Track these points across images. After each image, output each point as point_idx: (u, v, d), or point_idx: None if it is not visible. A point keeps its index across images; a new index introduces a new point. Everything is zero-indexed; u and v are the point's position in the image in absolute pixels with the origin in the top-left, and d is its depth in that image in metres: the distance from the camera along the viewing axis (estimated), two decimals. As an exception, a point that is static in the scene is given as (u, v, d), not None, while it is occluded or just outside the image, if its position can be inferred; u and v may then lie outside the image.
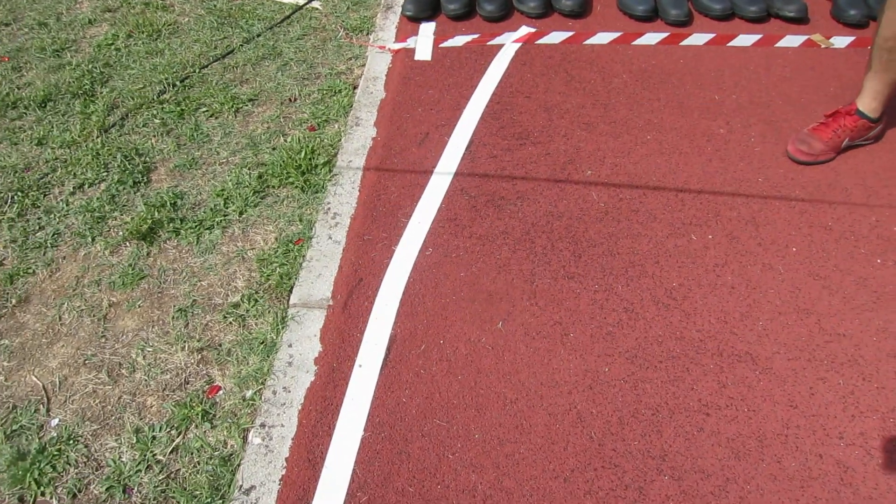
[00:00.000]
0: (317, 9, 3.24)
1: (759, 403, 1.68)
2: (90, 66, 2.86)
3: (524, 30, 3.01)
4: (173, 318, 1.92)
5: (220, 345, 1.86)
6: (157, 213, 2.18)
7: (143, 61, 2.91)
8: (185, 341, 1.86)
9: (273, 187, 2.30)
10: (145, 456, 1.62)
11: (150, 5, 3.30)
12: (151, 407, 1.73)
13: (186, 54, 2.93)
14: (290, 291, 1.96)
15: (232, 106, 2.64)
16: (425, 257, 2.04)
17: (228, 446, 1.64)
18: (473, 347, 1.80)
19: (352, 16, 3.19)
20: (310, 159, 2.36)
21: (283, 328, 1.86)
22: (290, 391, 1.72)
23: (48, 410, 1.73)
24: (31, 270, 2.06)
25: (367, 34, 3.08)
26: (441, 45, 2.94)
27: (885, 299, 1.91)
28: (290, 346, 1.82)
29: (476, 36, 2.99)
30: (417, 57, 2.88)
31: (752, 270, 1.99)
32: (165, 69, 2.84)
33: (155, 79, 2.79)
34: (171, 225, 2.17)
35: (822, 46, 2.88)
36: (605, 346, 1.80)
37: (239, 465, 1.58)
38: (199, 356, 1.83)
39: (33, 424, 1.70)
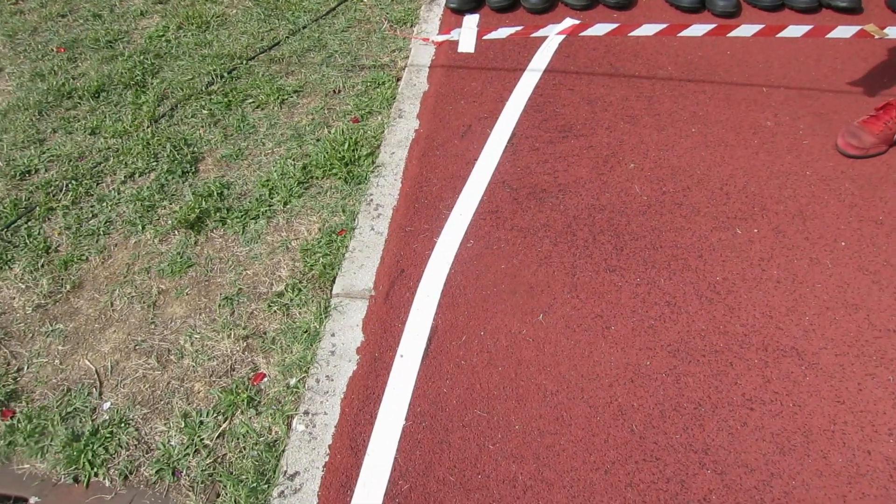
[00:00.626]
0: (361, 1, 3.26)
1: (805, 399, 1.65)
2: (141, 58, 2.93)
3: (568, 21, 2.99)
4: (220, 305, 1.97)
5: (265, 333, 1.89)
6: (204, 203, 2.23)
7: (193, 53, 2.96)
8: (231, 329, 1.90)
9: (317, 178, 2.33)
10: (193, 440, 1.67)
11: (198, -2, 3.36)
12: (199, 392, 1.78)
13: (234, 46, 2.98)
14: (333, 281, 1.99)
15: (277, 97, 2.67)
16: (467, 249, 2.05)
17: (273, 432, 1.67)
18: (514, 339, 1.81)
19: (396, 8, 3.20)
20: (353, 151, 2.39)
21: (326, 317, 1.89)
22: (332, 379, 1.74)
23: (100, 394, 1.79)
24: (84, 257, 2.12)
25: (411, 26, 3.09)
26: (484, 38, 2.93)
27: (938, 297, 1.87)
28: (332, 335, 1.85)
29: (519, 28, 2.97)
30: (461, 49, 2.88)
31: (798, 265, 1.96)
32: (214, 61, 2.89)
33: (203, 70, 2.84)
34: (217, 214, 2.21)
35: (876, 37, 2.81)
36: (646, 340, 1.79)
37: (283, 451, 1.62)
38: (245, 344, 1.87)
39: (87, 407, 1.75)
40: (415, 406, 1.68)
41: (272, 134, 2.53)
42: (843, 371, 1.70)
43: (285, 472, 1.57)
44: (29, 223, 2.23)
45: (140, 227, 2.20)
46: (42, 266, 2.10)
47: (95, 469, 1.63)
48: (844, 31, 2.84)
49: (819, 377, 1.70)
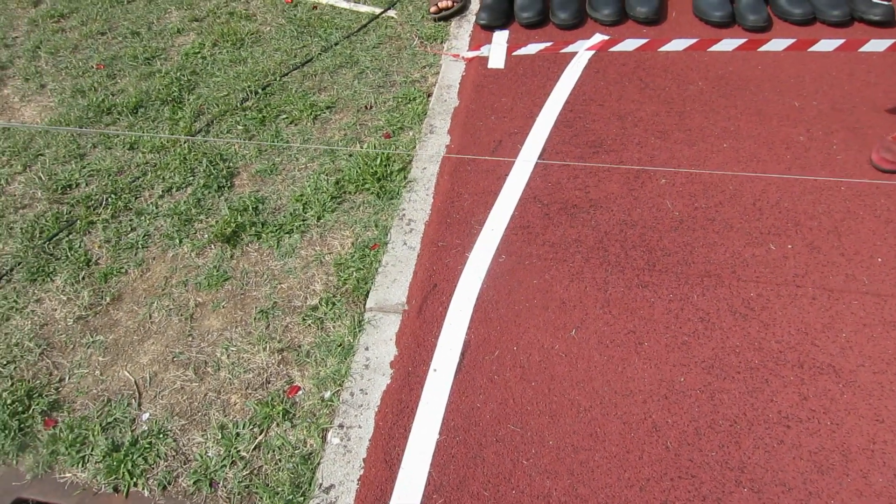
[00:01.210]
0: (392, 17, 3.30)
1: (843, 417, 1.64)
2: (178, 74, 2.99)
3: (597, 37, 3.00)
4: (255, 319, 2.00)
5: (300, 346, 1.92)
6: (239, 217, 2.27)
7: (227, 69, 3.02)
8: (266, 342, 1.93)
9: (350, 193, 2.36)
10: (230, 452, 1.69)
11: (234, 15, 3.42)
12: (235, 405, 1.80)
13: (268, 62, 3.03)
14: (367, 296, 2.01)
15: (310, 113, 2.71)
16: (498, 264, 2.06)
17: (308, 445, 1.69)
18: (547, 354, 1.82)
19: (426, 24, 3.24)
20: (385, 166, 2.42)
21: (359, 331, 1.91)
22: (367, 393, 1.76)
23: (139, 405, 1.82)
24: (123, 270, 2.17)
25: (441, 42, 3.12)
26: (514, 54, 2.96)
27: (977, 314, 1.84)
28: (366, 349, 1.87)
29: (549, 44, 2.99)
30: (491, 65, 2.91)
31: (834, 281, 1.94)
32: (248, 77, 2.94)
33: (238, 86, 2.89)
34: (252, 228, 2.25)
35: (910, 51, 2.78)
36: (680, 356, 1.79)
37: (319, 464, 1.64)
38: (280, 357, 1.90)
39: (126, 418, 1.79)
40: (448, 420, 1.69)
41: (305, 149, 2.56)
42: (882, 389, 1.69)
43: (321, 484, 1.59)
44: (70, 236, 2.28)
45: (177, 240, 2.24)
46: (83, 278, 2.14)
47: (135, 479, 1.66)
48: (877, 45, 2.82)
49: (857, 395, 1.68)
